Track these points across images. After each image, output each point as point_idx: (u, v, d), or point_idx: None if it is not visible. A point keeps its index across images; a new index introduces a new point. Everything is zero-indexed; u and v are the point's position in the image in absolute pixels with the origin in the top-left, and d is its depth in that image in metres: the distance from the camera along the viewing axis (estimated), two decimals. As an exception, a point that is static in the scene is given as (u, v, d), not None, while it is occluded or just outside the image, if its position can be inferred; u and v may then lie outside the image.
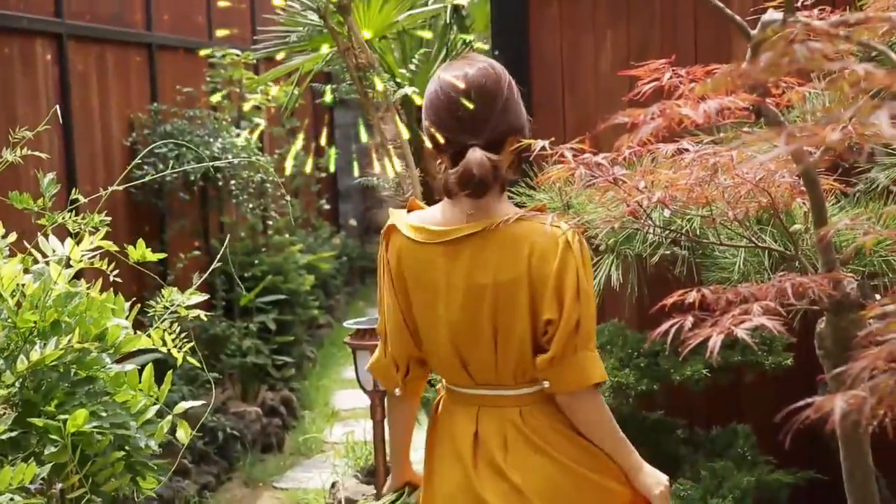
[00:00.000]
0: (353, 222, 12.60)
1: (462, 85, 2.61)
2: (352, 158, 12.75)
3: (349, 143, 12.84)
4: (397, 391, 2.86)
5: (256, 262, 8.16)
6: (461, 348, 2.68)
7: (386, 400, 3.20)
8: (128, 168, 3.13)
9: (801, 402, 1.64)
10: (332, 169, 11.34)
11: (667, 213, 2.27)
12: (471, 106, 2.58)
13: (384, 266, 2.76)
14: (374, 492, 5.56)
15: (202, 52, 7.62)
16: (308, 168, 8.48)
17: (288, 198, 7.46)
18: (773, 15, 1.70)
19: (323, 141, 11.26)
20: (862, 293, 2.00)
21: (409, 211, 2.80)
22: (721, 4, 1.85)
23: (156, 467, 2.97)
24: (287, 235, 8.51)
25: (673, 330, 1.94)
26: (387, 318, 2.80)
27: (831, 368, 2.15)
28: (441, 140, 2.62)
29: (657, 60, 2.07)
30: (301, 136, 6.09)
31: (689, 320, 1.94)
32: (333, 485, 5.91)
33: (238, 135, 7.41)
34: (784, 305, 1.97)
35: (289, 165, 4.10)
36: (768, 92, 1.88)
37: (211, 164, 3.42)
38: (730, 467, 3.88)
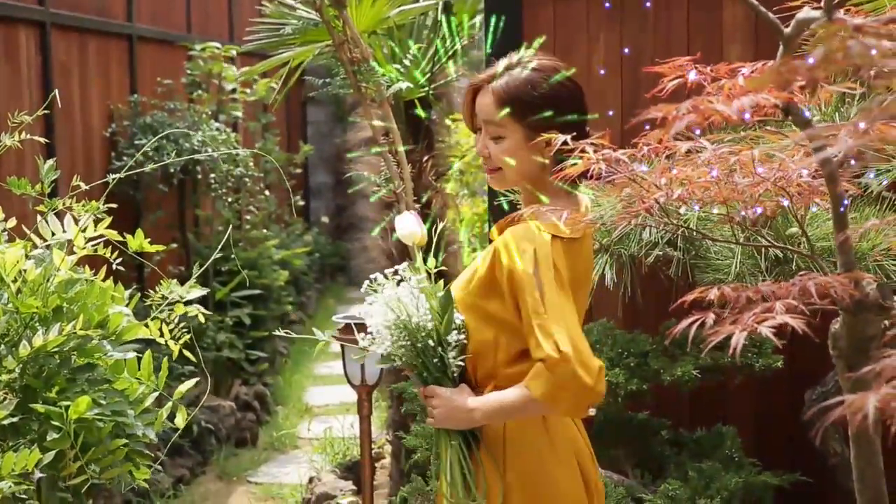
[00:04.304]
0: (324, 219, 12.56)
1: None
2: (323, 156, 12.73)
3: (321, 141, 12.81)
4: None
5: (232, 256, 8.12)
6: None
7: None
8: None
9: (833, 401, 1.65)
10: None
11: (683, 210, 2.27)
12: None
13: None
14: (353, 487, 5.56)
15: (192, 50, 7.57)
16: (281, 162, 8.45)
17: (267, 192, 7.42)
18: (808, 13, 1.71)
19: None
20: (882, 294, 2.02)
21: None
22: (755, 2, 1.86)
23: (151, 456, 2.95)
24: (264, 231, 8.47)
25: (693, 328, 1.94)
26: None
27: (845, 369, 2.16)
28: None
29: (682, 57, 2.07)
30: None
31: (711, 317, 1.95)
32: (311, 479, 5.90)
33: (217, 129, 7.38)
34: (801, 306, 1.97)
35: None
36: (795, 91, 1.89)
37: (193, 156, 3.40)
38: (717, 468, 3.89)
